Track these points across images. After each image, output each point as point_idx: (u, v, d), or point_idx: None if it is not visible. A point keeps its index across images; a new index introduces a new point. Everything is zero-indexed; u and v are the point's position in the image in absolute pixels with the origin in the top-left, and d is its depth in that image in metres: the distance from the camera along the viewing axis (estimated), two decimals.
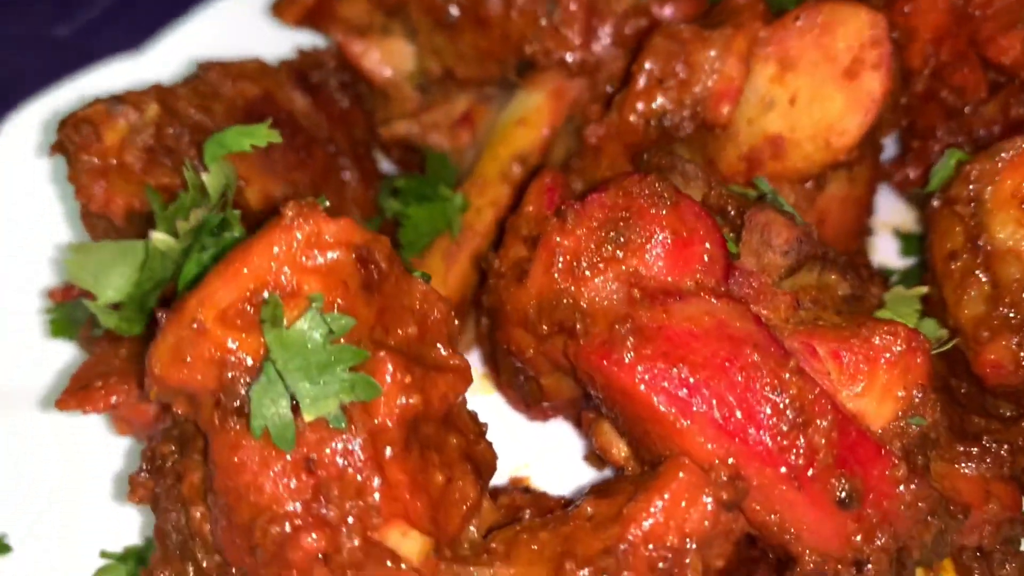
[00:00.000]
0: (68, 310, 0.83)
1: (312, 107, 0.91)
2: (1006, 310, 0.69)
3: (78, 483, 0.84)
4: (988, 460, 0.69)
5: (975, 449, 0.71)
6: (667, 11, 0.94)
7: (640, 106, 0.81)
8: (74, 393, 0.68)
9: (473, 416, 0.68)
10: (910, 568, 0.64)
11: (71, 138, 0.76)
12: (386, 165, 1.06)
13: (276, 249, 0.56)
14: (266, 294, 0.57)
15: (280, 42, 1.03)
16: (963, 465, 0.71)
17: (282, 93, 0.89)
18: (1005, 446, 0.70)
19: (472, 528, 0.65)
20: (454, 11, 0.93)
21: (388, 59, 1.00)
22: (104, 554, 0.80)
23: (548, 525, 0.63)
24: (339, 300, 0.57)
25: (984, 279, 0.71)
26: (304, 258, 0.57)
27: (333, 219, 0.58)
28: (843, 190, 0.86)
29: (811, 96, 0.81)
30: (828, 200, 0.86)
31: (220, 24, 1.08)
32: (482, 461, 0.66)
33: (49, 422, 0.86)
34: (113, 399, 0.68)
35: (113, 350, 0.73)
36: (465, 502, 0.62)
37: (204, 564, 0.59)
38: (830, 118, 0.81)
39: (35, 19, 1.51)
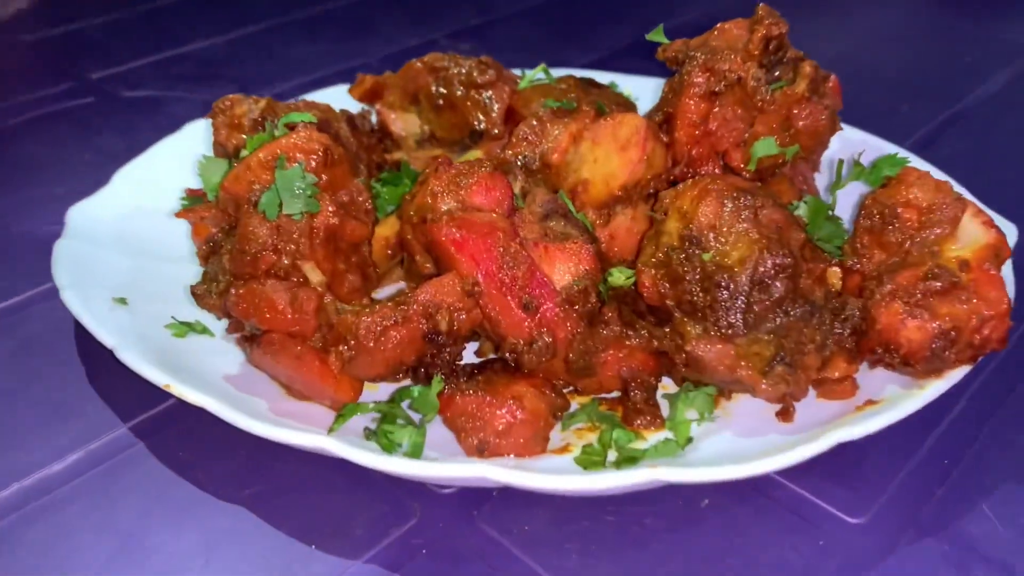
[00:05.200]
0: (194, 200, 1.49)
1: (349, 133, 1.60)
2: (655, 256, 1.28)
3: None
4: (633, 335, 1.26)
5: (631, 332, 1.28)
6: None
7: (511, 151, 1.47)
8: (187, 211, 1.36)
9: (370, 258, 1.31)
10: (566, 358, 1.20)
11: (218, 107, 1.46)
12: None
13: (290, 139, 1.24)
14: (281, 155, 1.24)
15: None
16: (626, 338, 1.28)
17: (336, 122, 1.59)
18: (645, 331, 1.26)
19: (354, 303, 1.26)
20: (440, 101, 1.64)
21: (403, 123, 1.70)
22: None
23: (391, 300, 1.24)
24: (312, 163, 1.24)
25: (655, 242, 1.29)
26: (302, 143, 1.24)
27: (317, 133, 1.25)
28: (627, 222, 1.46)
29: (604, 159, 1.40)
30: (617, 225, 1.45)
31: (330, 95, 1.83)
32: (368, 275, 1.28)
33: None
34: (202, 215, 1.35)
35: (208, 205, 1.41)
36: (349, 284, 1.25)
37: (220, 280, 1.23)
38: (611, 170, 1.40)
39: None
